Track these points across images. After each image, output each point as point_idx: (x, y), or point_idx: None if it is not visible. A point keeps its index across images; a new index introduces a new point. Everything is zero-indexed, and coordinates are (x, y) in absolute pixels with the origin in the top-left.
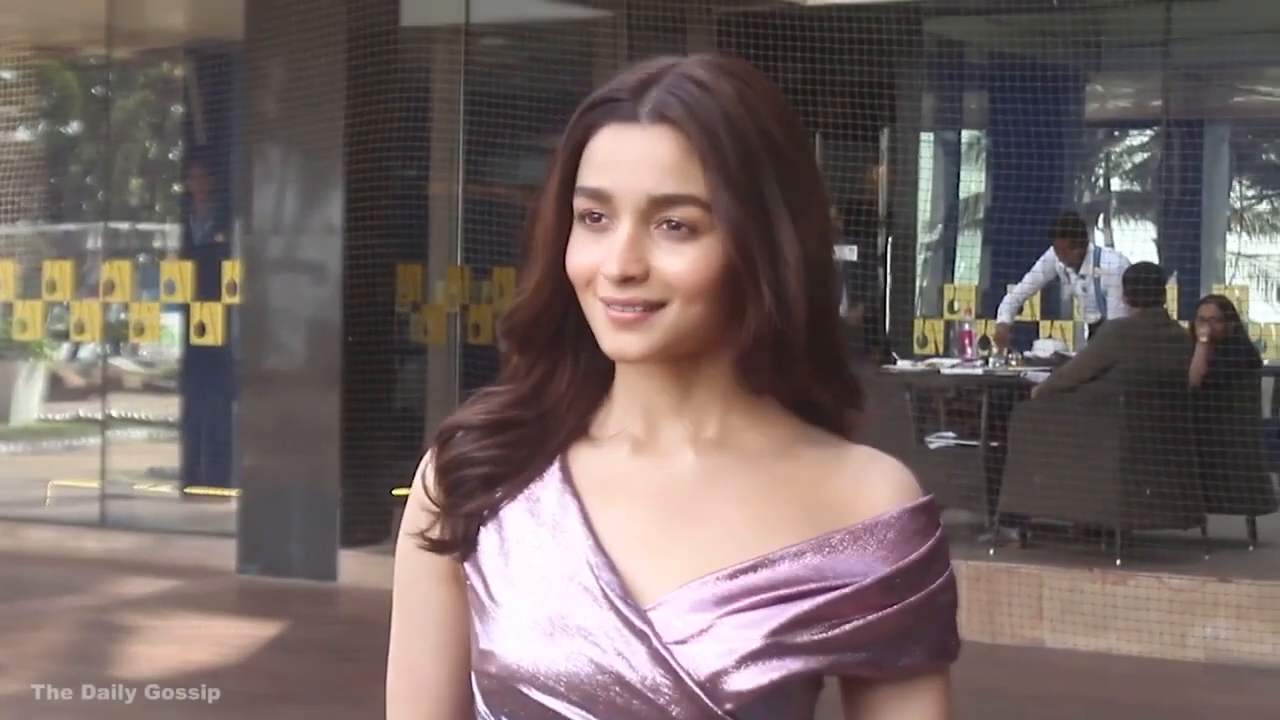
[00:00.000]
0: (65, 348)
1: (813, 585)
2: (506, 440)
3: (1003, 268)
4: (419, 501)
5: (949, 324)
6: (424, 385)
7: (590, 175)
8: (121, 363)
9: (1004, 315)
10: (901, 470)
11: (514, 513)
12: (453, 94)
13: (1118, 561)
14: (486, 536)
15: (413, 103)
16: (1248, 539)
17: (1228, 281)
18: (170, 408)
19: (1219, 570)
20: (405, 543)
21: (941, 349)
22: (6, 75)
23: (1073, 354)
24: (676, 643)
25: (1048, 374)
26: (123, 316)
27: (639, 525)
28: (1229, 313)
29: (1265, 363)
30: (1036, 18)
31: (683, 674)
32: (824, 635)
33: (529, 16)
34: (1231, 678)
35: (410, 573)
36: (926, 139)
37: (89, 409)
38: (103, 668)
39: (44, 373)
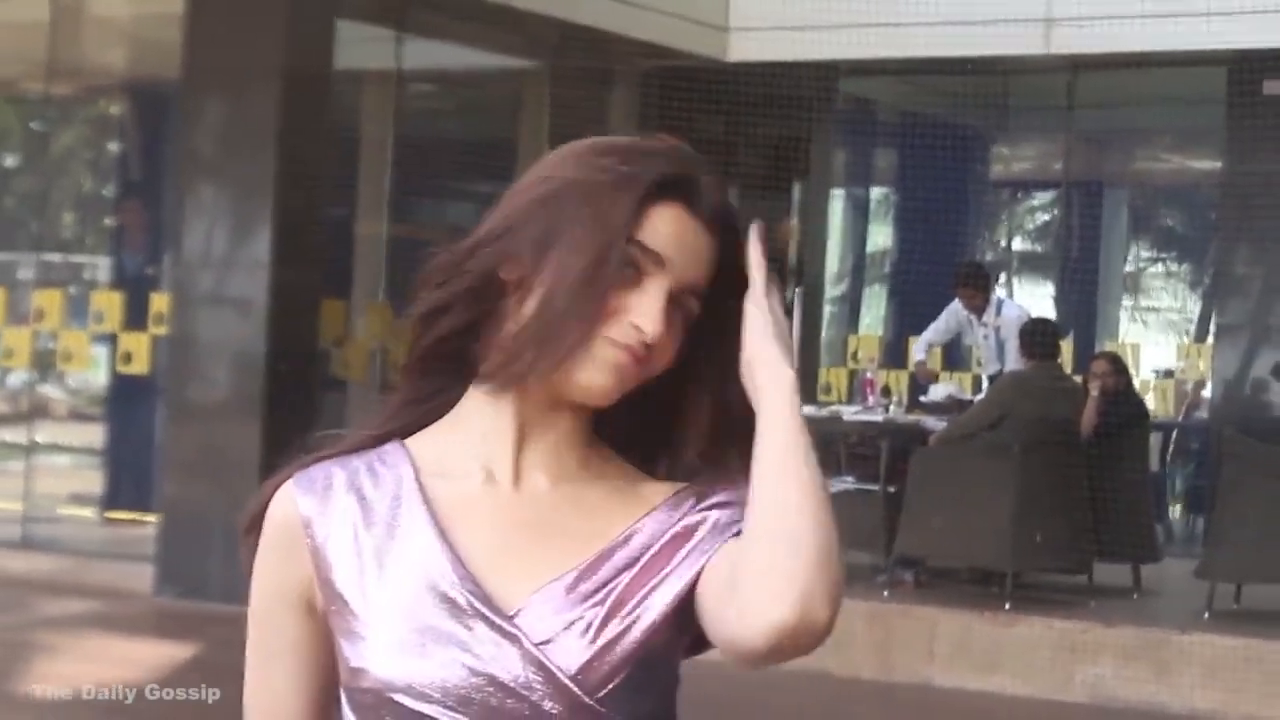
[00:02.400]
0: None
1: (625, 568)
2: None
3: (906, 319)
4: (280, 518)
5: (852, 372)
6: (343, 420)
7: (656, 239)
8: (49, 390)
9: (919, 353)
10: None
11: (369, 535)
12: (382, 137)
13: (1007, 605)
14: (338, 560)
15: (343, 144)
16: (1132, 586)
17: (1121, 338)
18: (95, 434)
19: (1104, 615)
20: (259, 582)
21: (845, 396)
22: None
23: (968, 398)
24: (543, 643)
25: (946, 422)
26: (51, 345)
27: (494, 545)
28: (1119, 368)
29: (1153, 416)
30: (946, 79)
31: (554, 669)
32: (651, 590)
33: (458, 65)
34: None
35: (264, 608)
36: (837, 194)
37: (14, 434)
38: (16, 684)
39: None
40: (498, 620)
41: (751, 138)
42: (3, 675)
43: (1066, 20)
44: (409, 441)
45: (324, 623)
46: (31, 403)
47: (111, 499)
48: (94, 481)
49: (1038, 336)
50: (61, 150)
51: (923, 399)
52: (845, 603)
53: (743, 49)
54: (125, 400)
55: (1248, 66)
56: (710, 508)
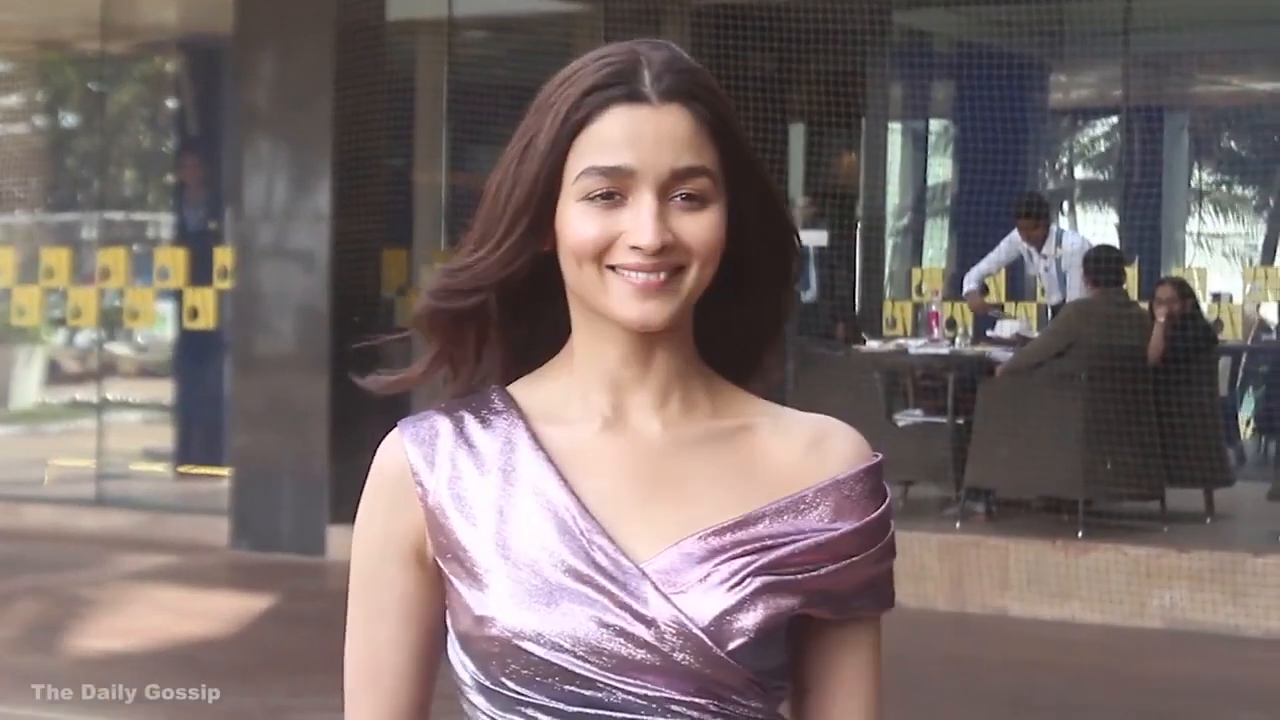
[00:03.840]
0: (62, 333)
1: (791, 537)
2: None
3: (969, 251)
4: (389, 468)
5: (917, 306)
6: (408, 368)
7: (602, 155)
8: (116, 347)
9: (970, 283)
10: (853, 434)
11: (485, 483)
12: (437, 85)
13: (1080, 533)
14: (454, 510)
15: (398, 94)
16: (1204, 511)
17: (1187, 264)
18: (164, 390)
19: (1177, 541)
20: (366, 534)
21: (909, 330)
22: (6, 70)
23: (1035, 334)
24: (676, 593)
25: (1011, 353)
26: (118, 303)
27: (618, 493)
28: (1185, 293)
29: (1221, 341)
30: (1001, 8)
31: (687, 621)
32: (802, 577)
33: (510, 10)
34: (1189, 644)
35: (373, 561)
36: (895, 128)
37: (85, 393)
38: (97, 640)
39: (42, 358)
40: (628, 569)
41: (806, 74)
42: (81, 631)
43: None
44: (512, 389)
45: (434, 573)
46: (100, 361)
47: (183, 454)
48: (165, 437)
49: (1102, 264)
50: (119, 108)
51: (990, 334)
52: (918, 535)
53: None
54: (193, 355)
55: None
56: (874, 550)
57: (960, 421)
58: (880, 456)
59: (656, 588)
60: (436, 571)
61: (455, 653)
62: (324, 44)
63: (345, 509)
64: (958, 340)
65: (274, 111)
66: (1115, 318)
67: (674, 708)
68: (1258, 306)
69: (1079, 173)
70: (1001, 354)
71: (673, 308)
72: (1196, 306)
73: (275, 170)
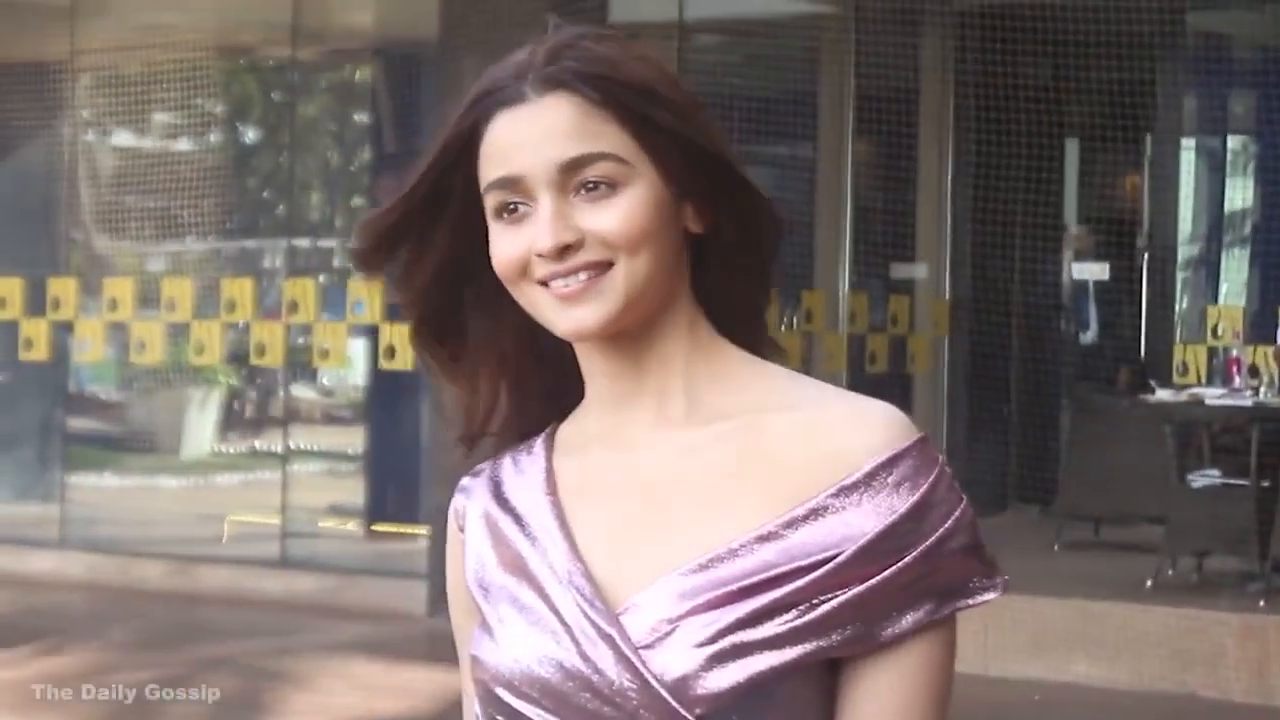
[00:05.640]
0: (243, 374)
1: (783, 569)
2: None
3: (1274, 287)
4: (450, 526)
5: (1213, 350)
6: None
7: (494, 167)
8: (303, 390)
9: None
10: (887, 413)
11: (506, 530)
12: None
13: None
14: (476, 558)
15: None
16: None
17: None
18: (355, 439)
19: None
20: (448, 577)
21: (1205, 378)
22: (178, 79)
23: None
24: (644, 646)
25: None
26: (305, 340)
27: (611, 524)
28: None
29: None
30: None
31: (649, 678)
32: (797, 622)
33: (748, 13)
34: None
35: (454, 603)
36: (1188, 145)
37: (268, 441)
38: (283, 718)
39: (220, 401)
40: (596, 618)
41: (1085, 84)
42: (266, 708)
43: None
44: (564, 421)
45: None
46: (285, 405)
47: (376, 510)
48: (356, 491)
49: None
50: (307, 122)
51: None
52: (1215, 615)
53: None
54: (388, 399)
55: None
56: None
57: (1266, 484)
58: (912, 440)
59: (625, 639)
60: None
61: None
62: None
63: None
64: (1263, 390)
65: None
66: None
67: None
68: None
69: None
70: None
71: (609, 308)
72: None
73: None
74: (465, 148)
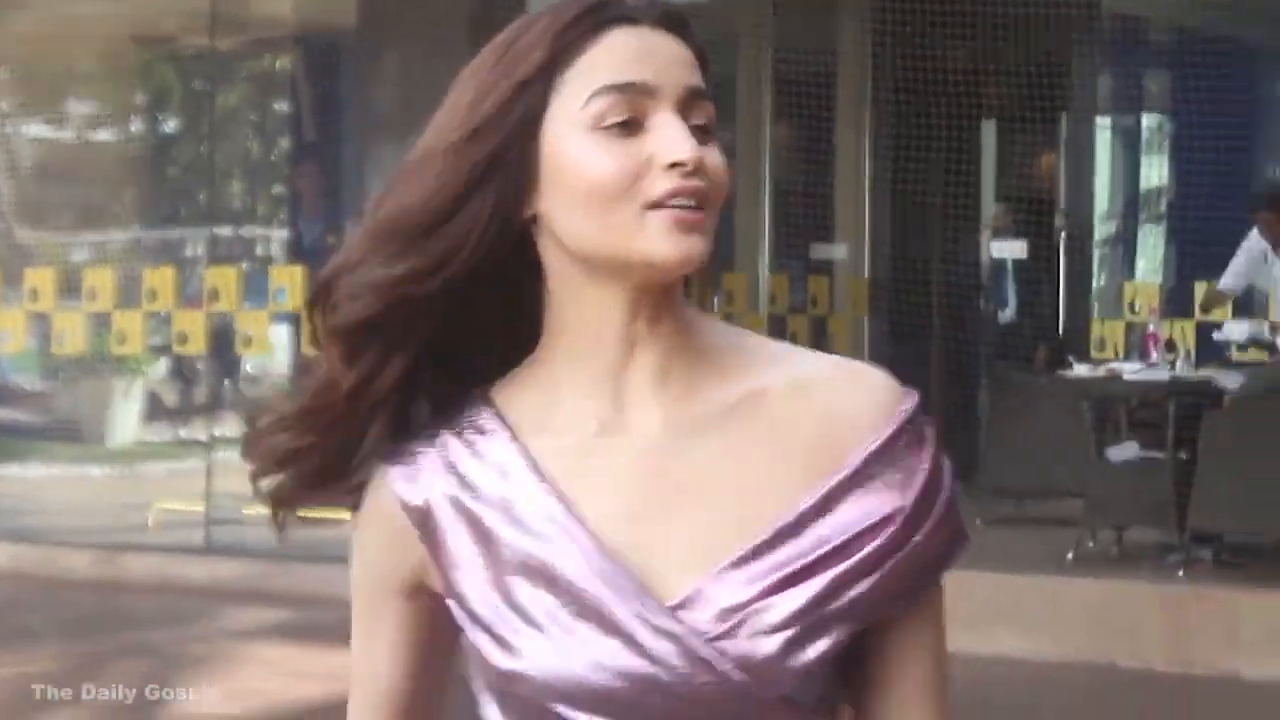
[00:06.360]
0: (165, 362)
1: (837, 542)
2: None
3: (1189, 263)
4: (383, 508)
5: (1130, 325)
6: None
7: (613, 74)
8: (225, 378)
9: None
10: (880, 375)
11: (484, 519)
12: None
13: None
14: (457, 556)
15: None
16: None
17: None
18: None
19: None
20: (360, 562)
21: (1123, 352)
22: (99, 69)
23: (1272, 339)
24: (716, 638)
25: (1243, 376)
26: (228, 328)
27: (627, 511)
28: None
29: None
30: None
31: (729, 670)
32: (864, 589)
33: None
34: None
35: (367, 587)
36: (1104, 124)
37: (192, 429)
38: (207, 705)
39: (143, 390)
40: (650, 615)
41: (1002, 65)
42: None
43: None
44: (495, 394)
45: (438, 603)
46: (209, 393)
47: None
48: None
49: None
50: (227, 111)
51: (1216, 336)
52: (1134, 585)
53: None
54: None
55: None
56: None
57: (1183, 457)
58: (912, 401)
59: (692, 632)
60: (441, 603)
61: (488, 703)
62: (458, 40)
63: None
64: (1179, 364)
65: (400, 114)
66: None
67: None
68: None
69: None
70: (1230, 380)
71: (706, 246)
72: None
73: None
74: (541, 73)
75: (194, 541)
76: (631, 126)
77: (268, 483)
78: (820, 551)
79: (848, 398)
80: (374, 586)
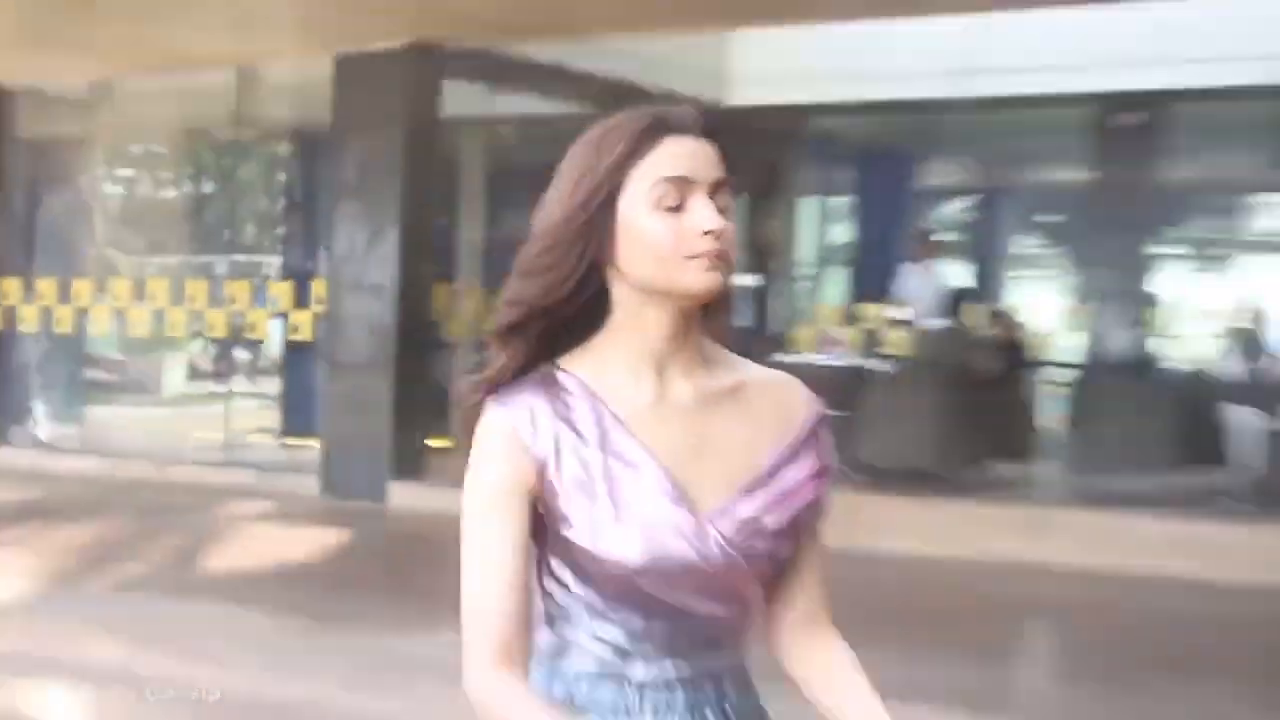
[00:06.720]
0: (199, 343)
1: (794, 483)
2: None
3: (858, 292)
4: (499, 430)
5: (819, 331)
6: (450, 369)
7: (669, 168)
8: (239, 353)
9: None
10: (801, 385)
11: (590, 455)
12: (479, 166)
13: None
14: (569, 480)
15: (450, 172)
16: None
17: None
18: (273, 384)
19: (999, 498)
20: (484, 475)
21: (813, 349)
22: (161, 151)
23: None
24: (731, 539)
25: (888, 366)
26: (241, 321)
27: (677, 451)
28: (1010, 324)
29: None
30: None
31: (737, 557)
32: (808, 513)
33: (533, 111)
34: (989, 570)
35: (490, 492)
36: (808, 201)
37: (216, 385)
38: (223, 560)
39: (185, 360)
40: (702, 522)
41: (744, 162)
42: (211, 554)
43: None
44: (570, 366)
45: (534, 510)
46: (228, 363)
47: (286, 429)
48: (273, 418)
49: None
50: (244, 179)
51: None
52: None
53: (742, 95)
54: (294, 360)
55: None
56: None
57: (847, 414)
58: (821, 401)
59: (721, 537)
60: (536, 509)
61: (563, 572)
62: (396, 135)
63: (402, 470)
64: (848, 356)
65: (358, 183)
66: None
67: (720, 615)
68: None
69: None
70: (880, 365)
71: (726, 279)
72: (1018, 333)
73: (358, 226)
74: (621, 166)
75: (217, 459)
76: (679, 205)
77: (468, 407)
78: (785, 489)
79: (792, 395)
80: (498, 487)
